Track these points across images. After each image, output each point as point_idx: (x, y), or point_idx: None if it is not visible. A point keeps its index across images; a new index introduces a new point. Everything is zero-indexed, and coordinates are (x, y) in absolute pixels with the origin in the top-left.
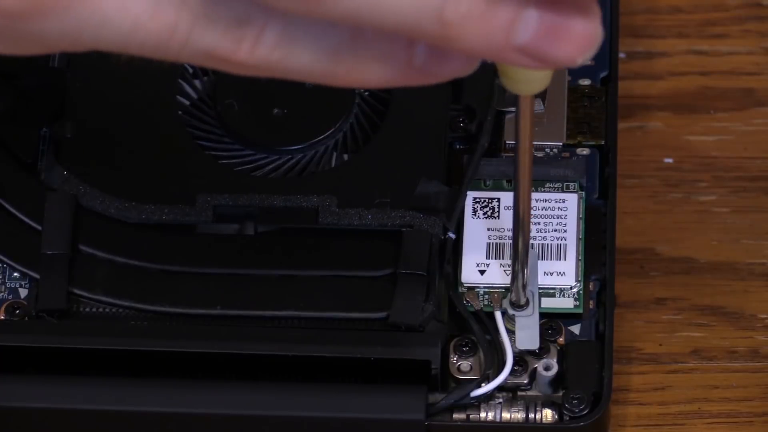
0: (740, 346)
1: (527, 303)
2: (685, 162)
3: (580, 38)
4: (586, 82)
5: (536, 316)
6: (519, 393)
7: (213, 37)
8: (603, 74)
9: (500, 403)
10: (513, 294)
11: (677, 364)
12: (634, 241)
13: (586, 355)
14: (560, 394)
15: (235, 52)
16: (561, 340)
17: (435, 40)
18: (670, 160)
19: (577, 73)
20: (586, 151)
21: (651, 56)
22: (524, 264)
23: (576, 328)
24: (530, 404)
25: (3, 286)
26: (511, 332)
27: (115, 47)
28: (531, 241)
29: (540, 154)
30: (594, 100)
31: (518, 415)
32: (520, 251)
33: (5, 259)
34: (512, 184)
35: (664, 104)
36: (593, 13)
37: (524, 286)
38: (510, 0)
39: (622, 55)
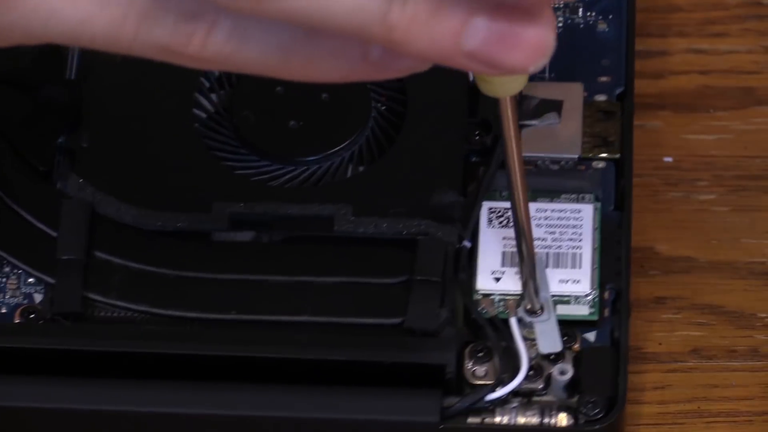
0: (740, 345)
1: (542, 309)
2: (684, 161)
3: (531, 46)
4: (602, 98)
5: (554, 319)
6: (534, 398)
7: (163, 31)
8: (619, 90)
9: (515, 407)
10: (527, 301)
11: (677, 363)
12: (633, 240)
13: (601, 360)
14: (575, 399)
15: (186, 46)
16: (576, 346)
17: (382, 42)
18: (669, 159)
19: (593, 89)
20: (601, 164)
21: (650, 55)
22: (532, 268)
23: (591, 336)
24: (545, 409)
25: (18, 291)
26: (527, 339)
27: (66, 40)
28: (546, 250)
29: (555, 167)
30: (610, 115)
31: (533, 420)
32: (525, 255)
33: (20, 264)
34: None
35: (663, 103)
36: (546, 20)
37: (536, 292)
38: (458, 5)
39: None
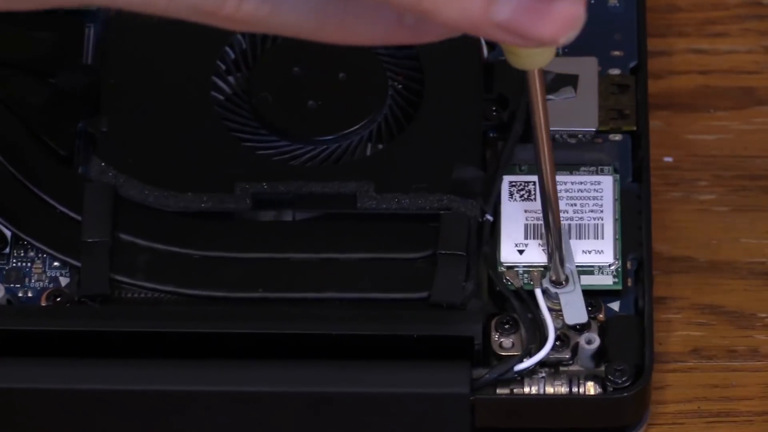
0: (740, 346)
1: (567, 280)
2: (684, 161)
3: (561, 18)
4: (615, 71)
5: (579, 290)
6: (561, 368)
7: None
8: (633, 64)
9: (543, 377)
10: (552, 272)
11: (677, 363)
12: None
13: (627, 329)
14: (602, 368)
15: (220, 8)
16: (601, 316)
17: (412, 11)
18: (669, 159)
19: (606, 63)
20: (618, 137)
21: (650, 55)
22: (558, 240)
23: (615, 305)
24: (573, 378)
25: (44, 275)
26: (552, 310)
27: (104, 1)
28: (569, 222)
29: (573, 141)
30: (624, 89)
31: (561, 389)
32: (551, 226)
33: (45, 248)
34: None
35: (663, 103)
36: None
37: (562, 262)
38: None
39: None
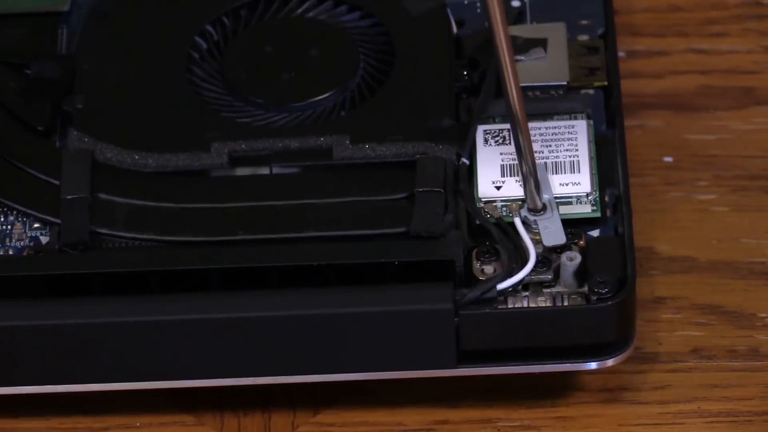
0: (740, 345)
1: (545, 208)
2: (684, 161)
3: None
4: (584, 38)
5: (557, 215)
6: (544, 289)
7: None
8: (600, 31)
9: (526, 296)
10: (528, 200)
11: (677, 363)
12: (633, 239)
13: (608, 248)
14: (585, 288)
15: None
16: (581, 242)
17: None
18: (669, 159)
19: (574, 32)
20: (591, 92)
21: (650, 55)
22: (531, 164)
23: (595, 233)
24: (556, 296)
25: (24, 235)
26: (533, 238)
27: None
28: (544, 160)
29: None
30: (594, 51)
31: (545, 305)
32: (522, 150)
33: (24, 209)
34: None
35: (663, 103)
36: None
37: (537, 188)
38: None
39: (621, 54)
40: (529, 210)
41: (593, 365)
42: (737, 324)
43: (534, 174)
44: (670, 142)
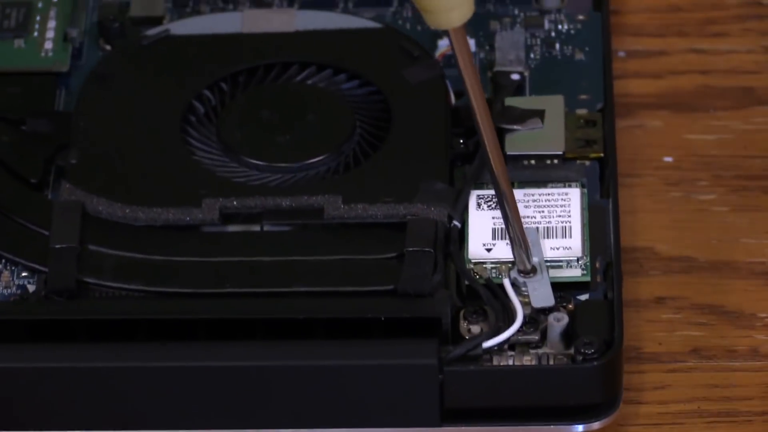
0: (740, 345)
1: (534, 270)
2: (684, 161)
3: None
4: (583, 111)
5: (546, 277)
6: (531, 350)
7: None
8: (599, 106)
9: (512, 356)
10: (517, 261)
11: (677, 363)
12: (633, 239)
13: (596, 311)
14: (572, 349)
15: None
16: (570, 306)
17: None
18: (669, 159)
19: (573, 106)
20: (586, 163)
21: (650, 55)
22: (518, 226)
23: (584, 297)
24: (542, 357)
25: (12, 283)
26: (522, 301)
27: None
28: (537, 225)
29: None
30: (592, 124)
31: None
32: (507, 209)
33: (12, 257)
34: (514, 185)
35: (663, 103)
36: None
37: (525, 250)
38: None
39: (621, 53)
40: (519, 272)
41: (579, 428)
42: (737, 324)
43: (521, 236)
44: (670, 142)
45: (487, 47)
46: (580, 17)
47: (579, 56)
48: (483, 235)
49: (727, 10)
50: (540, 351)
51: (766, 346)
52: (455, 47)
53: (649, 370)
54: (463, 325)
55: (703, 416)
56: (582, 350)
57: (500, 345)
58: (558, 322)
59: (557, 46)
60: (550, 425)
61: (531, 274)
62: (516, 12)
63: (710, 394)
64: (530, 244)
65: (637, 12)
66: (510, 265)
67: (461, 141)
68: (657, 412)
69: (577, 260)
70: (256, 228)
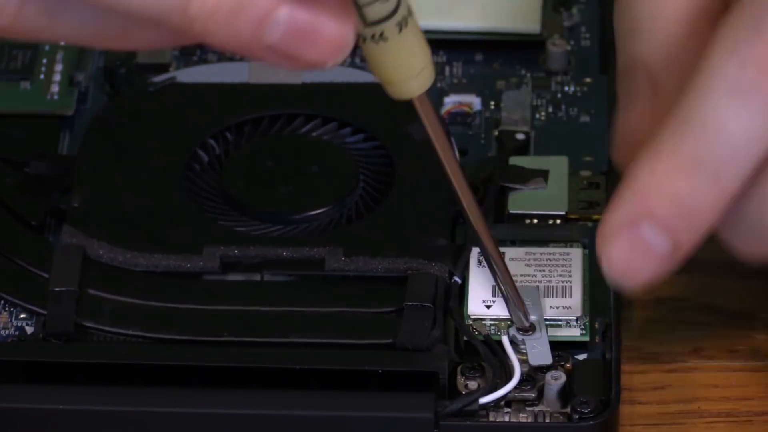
0: (740, 346)
1: (533, 328)
2: None
3: (329, 41)
4: (586, 173)
5: (545, 336)
6: (527, 408)
7: None
8: (603, 168)
9: (508, 412)
10: (514, 318)
11: (677, 363)
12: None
13: (594, 370)
14: (568, 408)
15: None
16: (568, 365)
17: (185, 31)
18: None
19: (578, 165)
20: (589, 224)
21: None
22: (510, 287)
23: (582, 357)
24: (538, 414)
25: (10, 324)
26: (520, 358)
27: None
28: (537, 284)
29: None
30: (595, 186)
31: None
32: (498, 273)
33: (11, 298)
34: (516, 243)
35: None
36: (346, 15)
37: (521, 307)
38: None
39: None
40: (518, 330)
41: None
42: (737, 324)
43: (514, 294)
44: None
45: (493, 106)
46: (587, 80)
47: (584, 118)
48: (483, 292)
49: None
50: (536, 408)
51: (766, 346)
52: (422, 115)
53: (649, 370)
54: (461, 380)
55: (703, 416)
56: (578, 409)
57: (497, 401)
58: (555, 380)
59: (563, 107)
60: None
61: (530, 332)
62: (523, 72)
63: (710, 394)
64: (531, 302)
65: None
66: (509, 322)
67: None
68: (657, 413)
69: (577, 320)
70: (257, 277)
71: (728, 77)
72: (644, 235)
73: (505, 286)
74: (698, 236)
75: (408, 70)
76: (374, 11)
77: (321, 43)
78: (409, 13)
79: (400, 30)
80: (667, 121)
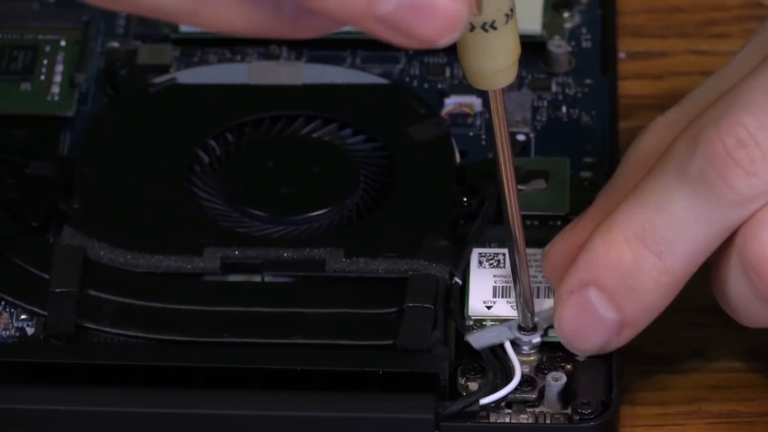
0: (740, 346)
1: (535, 328)
2: None
3: (444, 17)
4: (587, 174)
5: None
6: (528, 409)
7: None
8: (604, 171)
9: (509, 413)
10: (520, 318)
11: (677, 363)
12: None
13: (594, 372)
14: (569, 409)
15: None
16: (569, 367)
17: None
18: None
19: (578, 166)
20: None
21: (651, 56)
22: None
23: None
24: (539, 415)
25: (10, 325)
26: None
27: None
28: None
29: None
30: (596, 188)
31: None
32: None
33: (12, 299)
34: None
35: (664, 104)
36: None
37: (531, 305)
38: None
39: (622, 55)
40: (519, 329)
41: None
42: (737, 325)
43: (529, 294)
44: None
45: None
46: (588, 81)
47: (585, 120)
48: (484, 293)
49: (727, 11)
50: (537, 410)
51: (766, 347)
52: (494, 109)
53: (650, 371)
54: (461, 381)
55: (703, 417)
56: (579, 410)
57: (497, 402)
58: (556, 381)
59: (564, 108)
60: None
61: (531, 332)
62: (524, 74)
63: (711, 395)
64: (540, 317)
65: (637, 13)
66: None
67: (464, 199)
68: (658, 413)
69: None
70: (257, 278)
71: (682, 163)
72: (591, 302)
73: (523, 282)
74: (644, 314)
75: (501, 63)
76: None
77: (435, 19)
78: (514, 5)
79: (507, 21)
80: (627, 195)
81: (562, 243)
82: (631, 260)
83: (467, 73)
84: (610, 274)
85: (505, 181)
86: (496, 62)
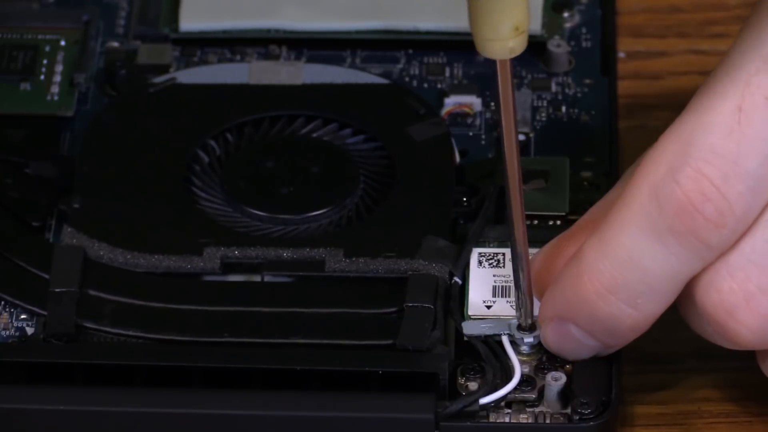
0: None
1: (534, 327)
2: None
3: None
4: (587, 174)
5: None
6: (527, 408)
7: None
8: (604, 171)
9: (509, 413)
10: (521, 316)
11: (677, 363)
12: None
13: (594, 371)
14: (569, 409)
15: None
16: (569, 366)
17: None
18: None
19: (578, 166)
20: None
21: (651, 56)
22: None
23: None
24: (539, 415)
25: (10, 325)
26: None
27: None
28: None
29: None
30: (596, 187)
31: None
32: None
33: (12, 299)
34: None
35: (664, 104)
36: None
37: (530, 304)
38: None
39: (621, 54)
40: (519, 328)
41: None
42: None
43: (529, 292)
44: None
45: (493, 107)
46: (587, 81)
47: (585, 119)
48: (483, 292)
49: (727, 10)
50: (537, 409)
51: None
52: (500, 79)
53: (649, 371)
54: (461, 381)
55: (703, 417)
56: (579, 410)
57: (497, 402)
58: (556, 381)
59: (564, 108)
60: None
61: (530, 331)
62: (524, 73)
63: (710, 394)
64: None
65: (637, 13)
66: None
67: (464, 199)
68: (657, 413)
69: None
70: (257, 278)
71: (649, 219)
72: (572, 332)
73: (524, 279)
74: (628, 341)
75: (513, 29)
76: None
77: None
78: None
79: None
80: (591, 242)
81: (549, 252)
82: (606, 313)
83: (476, 40)
84: (585, 322)
85: (508, 156)
86: (506, 27)
